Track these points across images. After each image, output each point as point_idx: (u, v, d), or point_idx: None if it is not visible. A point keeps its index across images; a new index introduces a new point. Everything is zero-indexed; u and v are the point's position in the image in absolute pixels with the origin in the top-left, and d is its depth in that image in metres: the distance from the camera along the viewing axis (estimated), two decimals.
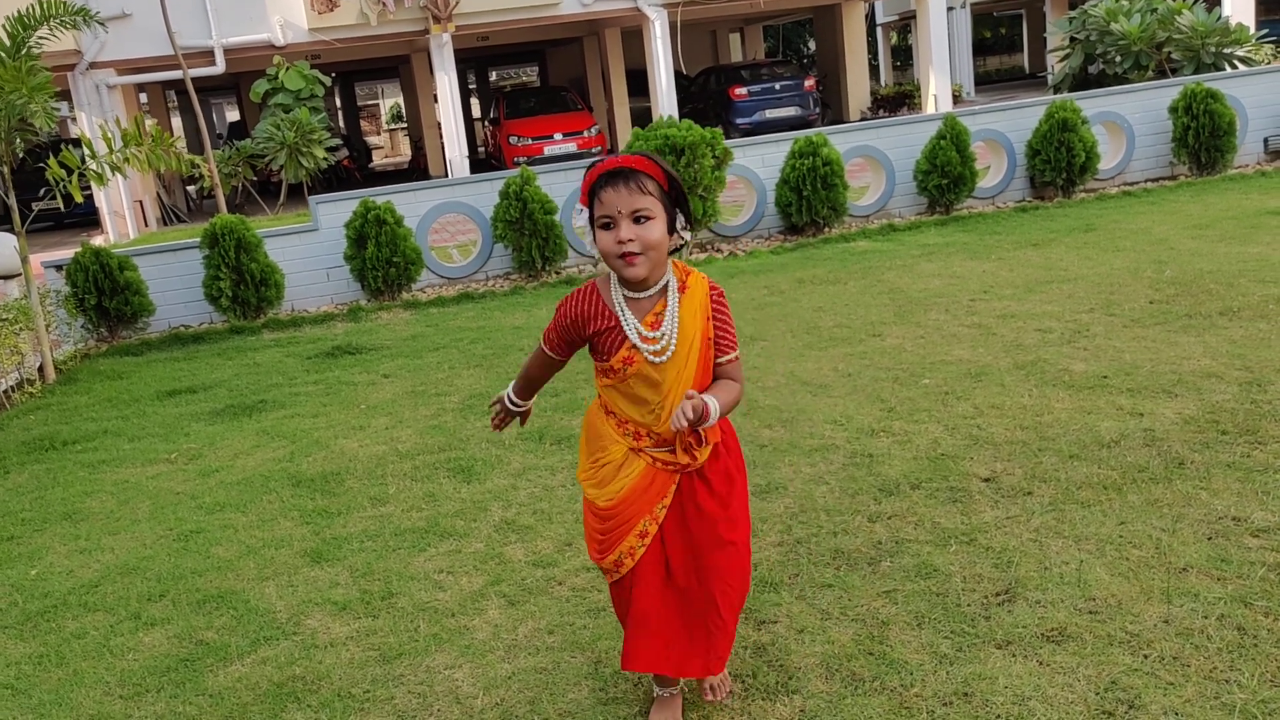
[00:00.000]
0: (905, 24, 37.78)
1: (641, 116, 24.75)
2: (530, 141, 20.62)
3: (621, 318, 2.56)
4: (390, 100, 47.23)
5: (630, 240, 2.46)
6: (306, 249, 9.48)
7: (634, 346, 2.55)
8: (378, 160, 36.23)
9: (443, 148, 23.27)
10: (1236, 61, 14.54)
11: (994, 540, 3.55)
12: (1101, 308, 6.39)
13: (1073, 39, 15.49)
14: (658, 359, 2.55)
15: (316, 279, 9.53)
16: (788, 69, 23.60)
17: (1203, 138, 10.83)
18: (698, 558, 2.67)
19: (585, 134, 20.80)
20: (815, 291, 7.83)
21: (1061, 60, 16.66)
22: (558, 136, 20.63)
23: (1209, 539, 3.38)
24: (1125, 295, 6.62)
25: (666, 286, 2.58)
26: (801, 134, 10.03)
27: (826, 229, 10.16)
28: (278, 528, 4.40)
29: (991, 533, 3.60)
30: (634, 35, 22.68)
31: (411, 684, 3.10)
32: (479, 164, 23.41)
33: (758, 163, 10.30)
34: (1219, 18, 14.43)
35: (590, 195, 2.53)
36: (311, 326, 8.76)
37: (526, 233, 9.23)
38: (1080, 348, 5.63)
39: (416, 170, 25.42)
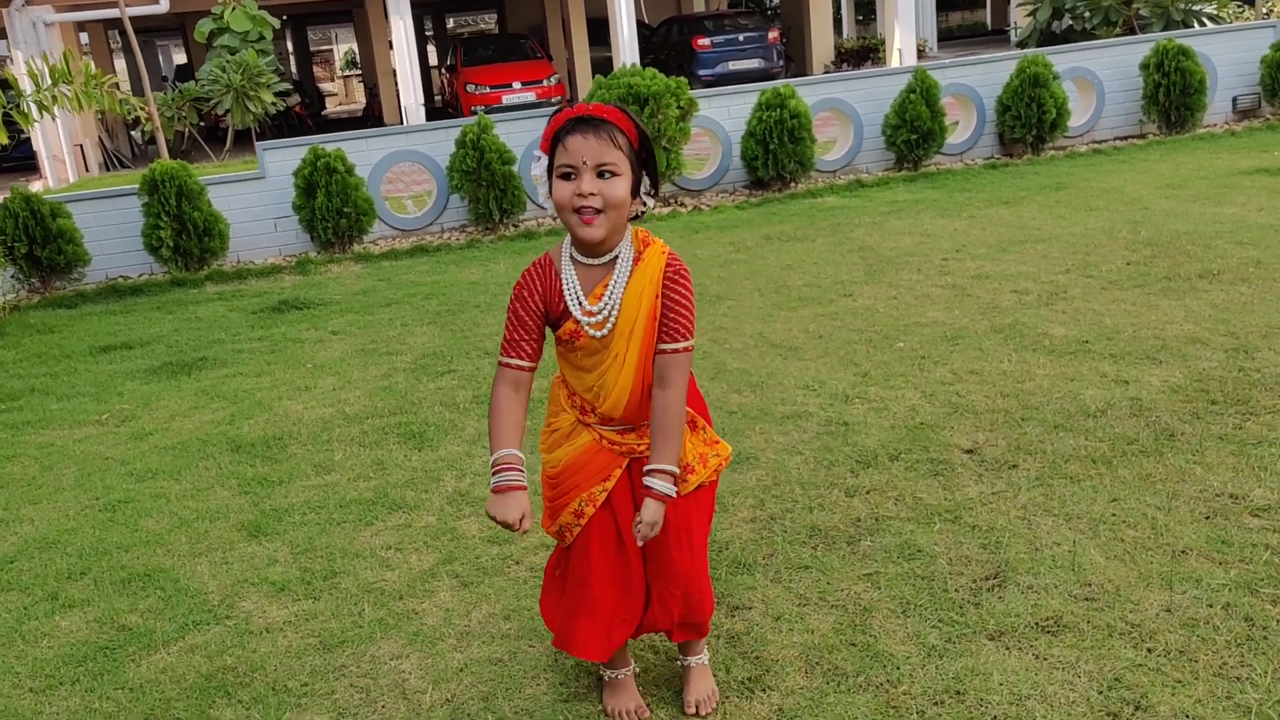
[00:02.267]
0: None
1: (602, 66, 24.20)
2: (488, 90, 20.08)
3: (565, 285, 2.33)
4: (345, 46, 46.07)
5: (592, 194, 2.21)
6: (253, 198, 9.05)
7: (576, 319, 2.32)
8: (331, 107, 35.32)
9: (398, 95, 22.67)
10: (1204, 19, 14.38)
11: (980, 518, 3.33)
12: (1078, 269, 6.20)
13: None
14: (597, 333, 2.32)
15: (263, 229, 9.12)
16: (752, 20, 23.14)
17: (1173, 96, 10.66)
18: (648, 557, 2.48)
19: (545, 83, 20.28)
20: (783, 249, 7.58)
21: (1028, 15, 16.40)
22: (516, 85, 20.10)
23: (1207, 518, 3.19)
24: (1101, 256, 6.43)
25: (619, 256, 2.32)
26: (769, 85, 9.71)
27: (793, 184, 9.89)
28: (213, 498, 4.10)
29: (977, 510, 3.39)
30: None
31: (354, 676, 2.84)
32: (435, 112, 22.80)
33: (723, 114, 9.98)
34: None
35: (553, 142, 2.26)
36: (257, 279, 8.37)
37: (484, 183, 8.87)
38: (1059, 310, 5.43)
39: (372, 118, 24.74)
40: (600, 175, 2.21)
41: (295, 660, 2.94)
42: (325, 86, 39.39)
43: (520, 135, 9.32)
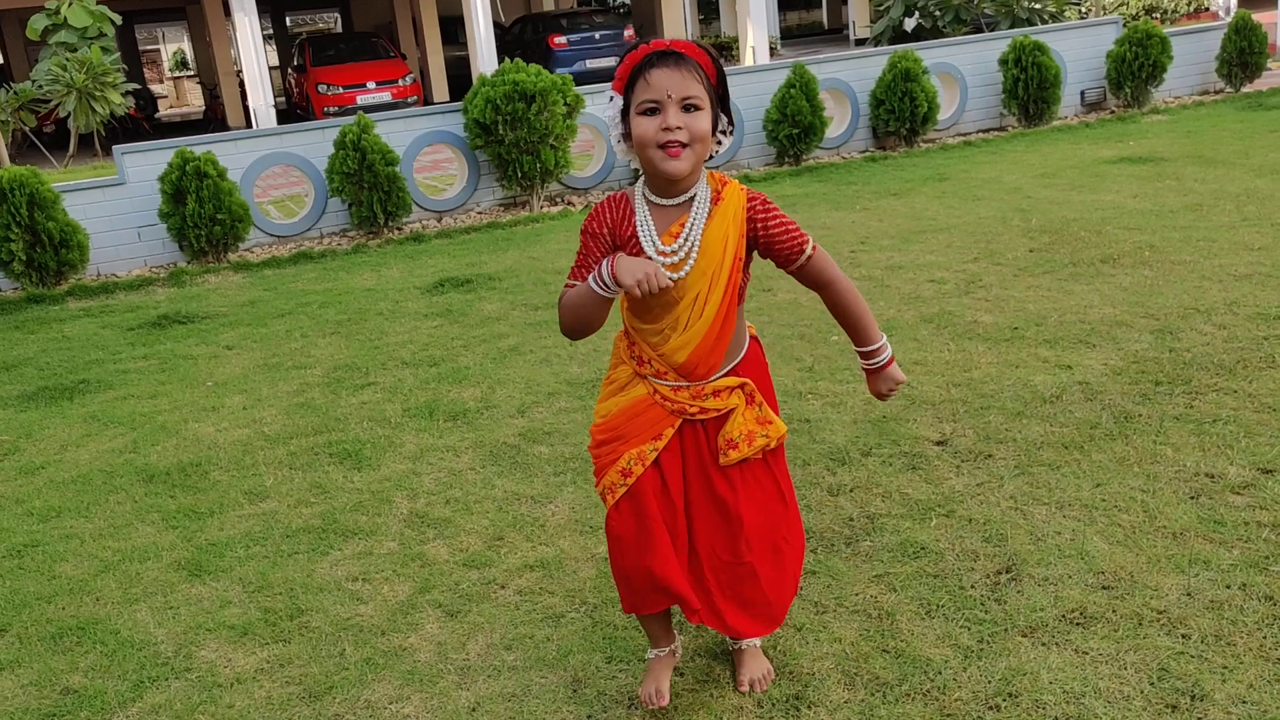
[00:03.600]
0: None
1: (456, 65, 23.75)
2: (341, 90, 19.41)
3: (640, 225, 2.22)
4: (174, 46, 43.85)
5: (679, 128, 2.12)
6: (113, 205, 8.41)
7: (650, 258, 2.21)
8: (163, 110, 33.54)
9: (243, 96, 21.67)
10: (1046, 17, 15.05)
11: (973, 511, 3.29)
12: (985, 257, 6.32)
13: None
14: (674, 274, 2.21)
15: (126, 239, 8.48)
16: (607, 18, 23.11)
17: (1031, 89, 11.08)
18: (693, 519, 2.38)
19: (400, 83, 19.74)
20: None
21: (882, 13, 16.86)
22: (371, 85, 19.49)
23: (1193, 499, 3.23)
24: (1003, 244, 6.57)
25: (695, 196, 2.23)
26: None
27: None
28: (136, 535, 3.72)
29: (967, 502, 3.35)
30: None
31: None
32: (283, 115, 21.89)
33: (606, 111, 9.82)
34: None
35: (631, 79, 2.16)
36: (126, 293, 7.77)
37: (367, 186, 8.48)
38: (979, 299, 5.50)
39: (214, 121, 23.57)
40: (685, 109, 2.13)
41: (279, 712, 2.65)
42: (154, 89, 37.42)
43: (402, 135, 8.97)
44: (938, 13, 15.35)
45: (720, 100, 2.22)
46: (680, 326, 2.26)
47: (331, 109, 19.15)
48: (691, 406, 2.31)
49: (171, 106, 37.40)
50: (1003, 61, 11.19)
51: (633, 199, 2.27)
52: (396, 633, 2.95)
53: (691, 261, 2.21)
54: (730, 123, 2.26)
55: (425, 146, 9.24)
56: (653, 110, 2.14)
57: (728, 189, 2.25)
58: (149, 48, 42.52)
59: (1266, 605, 2.66)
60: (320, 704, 2.67)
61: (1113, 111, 11.92)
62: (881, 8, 16.93)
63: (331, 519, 3.68)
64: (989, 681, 2.49)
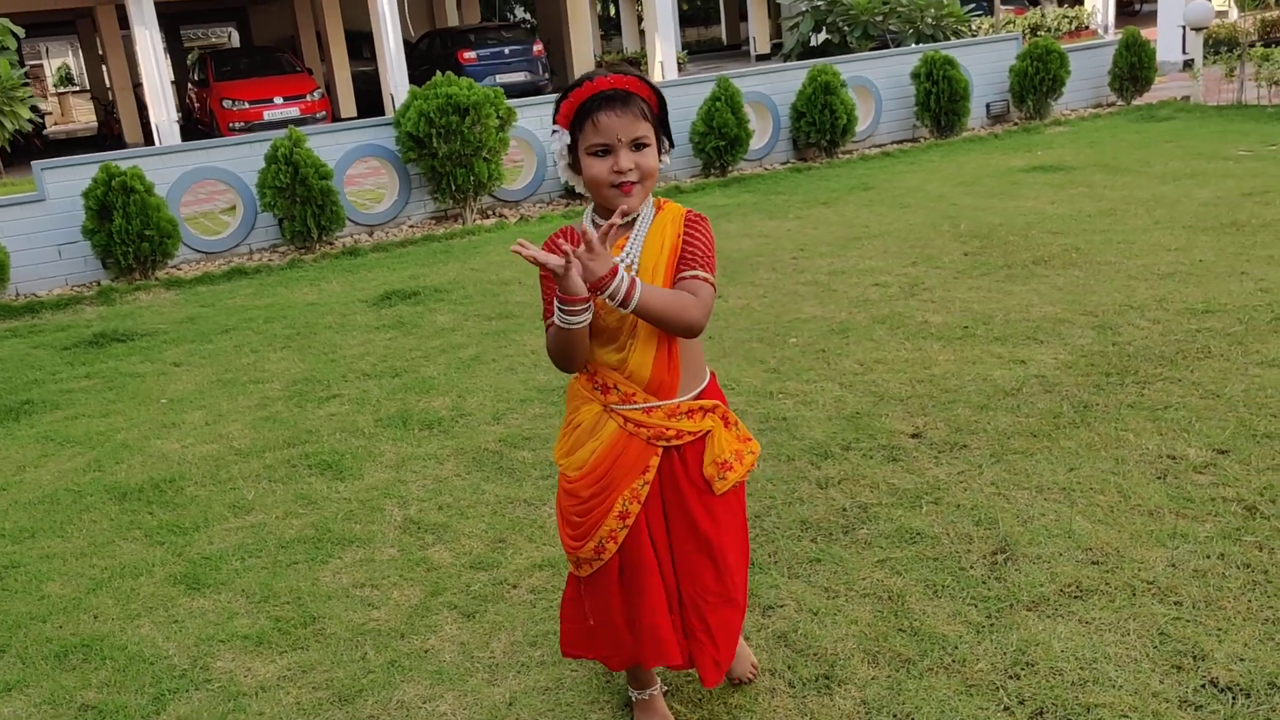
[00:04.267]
0: None
1: (363, 80, 23.50)
2: (247, 106, 19.02)
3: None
4: (57, 61, 42.35)
5: (630, 169, 2.19)
6: (32, 223, 8.15)
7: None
8: (50, 128, 32.34)
9: (140, 112, 21.09)
10: (949, 33, 15.60)
11: (959, 497, 3.45)
12: (923, 261, 6.56)
13: (806, 9, 16.07)
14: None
15: (46, 257, 8.22)
16: (516, 33, 23.12)
17: (942, 102, 11.48)
18: (676, 558, 2.37)
19: (308, 98, 19.44)
20: None
21: (791, 28, 17.25)
22: (278, 100, 19.15)
23: (1160, 478, 3.44)
24: (937, 249, 6.83)
25: (639, 216, 2.30)
26: None
27: None
28: (121, 552, 3.65)
29: (952, 489, 3.51)
30: None
31: None
32: (183, 131, 21.33)
33: (536, 124, 9.90)
34: None
35: (578, 118, 2.21)
36: (53, 312, 7.53)
37: (299, 200, 8.38)
38: (925, 300, 5.72)
39: (110, 138, 22.86)
40: (634, 148, 2.20)
41: (311, 717, 2.65)
42: (39, 105, 36.01)
43: (331, 149, 8.88)
44: (846, 28, 15.78)
45: (661, 125, 2.27)
46: (638, 334, 2.26)
47: (237, 125, 18.76)
48: (668, 429, 2.28)
49: (57, 123, 36.08)
50: (915, 75, 11.58)
51: (580, 229, 2.21)
52: (416, 635, 2.97)
53: (635, 266, 2.25)
54: (670, 144, 2.31)
55: (356, 160, 9.16)
56: (603, 152, 2.19)
57: (668, 204, 2.32)
58: (33, 63, 40.98)
59: (1246, 572, 2.86)
60: (352, 707, 2.68)
61: (1016, 123, 12.42)
62: (790, 25, 17.32)
63: (325, 528, 3.67)
64: (1004, 653, 2.63)
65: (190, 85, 22.96)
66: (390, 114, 17.15)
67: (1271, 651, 2.53)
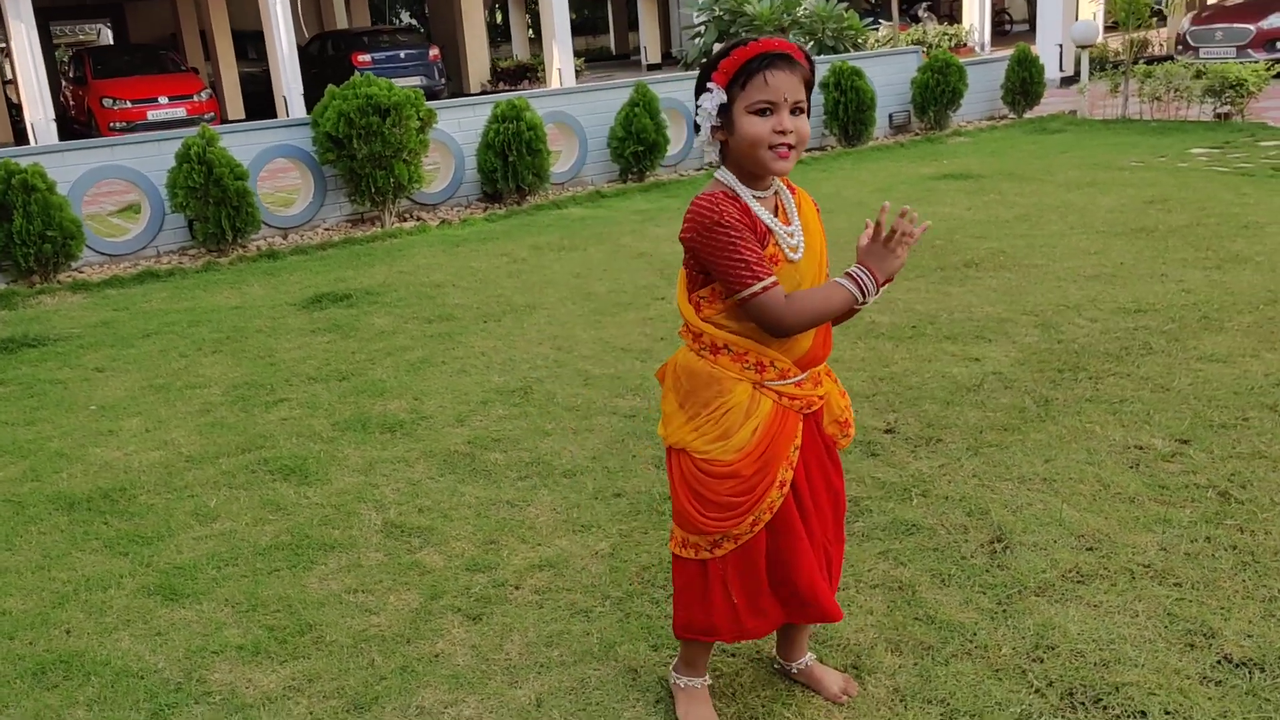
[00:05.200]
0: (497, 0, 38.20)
1: (253, 82, 22.82)
2: (130, 105, 18.26)
3: (760, 215, 2.26)
4: None
5: (790, 131, 2.18)
6: None
7: (777, 242, 2.26)
8: None
9: (12, 111, 20.07)
10: (850, 45, 15.96)
11: (946, 489, 3.52)
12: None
13: (708, 19, 16.23)
14: (794, 255, 2.28)
15: None
16: (412, 37, 22.83)
17: (850, 111, 11.74)
18: (814, 511, 2.42)
19: (195, 98, 18.76)
20: (561, 258, 7.53)
21: (694, 38, 17.42)
22: (163, 100, 18.43)
23: (1133, 468, 3.57)
24: None
25: (775, 188, 2.33)
26: (502, 98, 9.63)
27: (530, 196, 9.85)
28: (82, 564, 3.44)
29: (937, 482, 3.58)
30: None
31: None
32: (60, 130, 20.35)
33: (454, 127, 9.76)
34: (834, 5, 15.75)
35: (741, 76, 2.17)
36: None
37: (214, 201, 8.06)
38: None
39: None
40: (793, 112, 2.19)
41: None
42: None
43: (245, 149, 8.58)
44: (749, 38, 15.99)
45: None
46: None
47: (118, 124, 18.00)
48: (815, 394, 2.35)
49: None
50: (823, 85, 11.80)
51: (735, 194, 2.25)
52: (422, 640, 2.88)
53: (802, 244, 2.30)
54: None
55: (270, 160, 8.88)
56: (765, 110, 2.17)
57: (797, 187, 2.36)
58: None
59: (1234, 554, 2.99)
60: (369, 715, 2.58)
61: (918, 133, 12.79)
62: (692, 34, 17.49)
63: (301, 534, 3.53)
64: (1023, 638, 2.69)
65: (64, 83, 21.94)
66: (282, 116, 16.62)
67: (1276, 628, 2.64)
